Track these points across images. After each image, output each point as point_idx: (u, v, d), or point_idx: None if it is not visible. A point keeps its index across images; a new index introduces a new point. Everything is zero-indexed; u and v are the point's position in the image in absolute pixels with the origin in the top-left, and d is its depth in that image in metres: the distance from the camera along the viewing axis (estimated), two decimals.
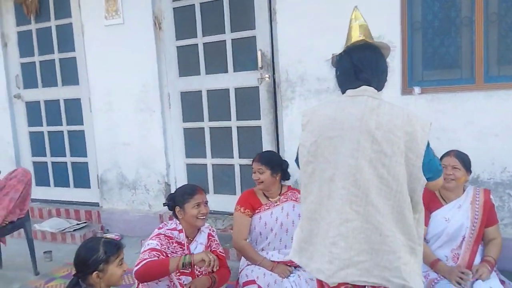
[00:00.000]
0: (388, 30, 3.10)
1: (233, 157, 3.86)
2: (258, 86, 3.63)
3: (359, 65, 1.65)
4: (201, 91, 3.90)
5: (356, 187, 1.56)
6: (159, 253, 2.22)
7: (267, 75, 3.56)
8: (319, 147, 1.64)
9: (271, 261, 2.71)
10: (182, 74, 3.99)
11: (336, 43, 3.37)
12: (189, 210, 2.35)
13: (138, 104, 4.10)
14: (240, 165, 3.85)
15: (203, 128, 3.96)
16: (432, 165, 1.60)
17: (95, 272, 1.82)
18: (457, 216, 2.63)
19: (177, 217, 2.45)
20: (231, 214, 3.43)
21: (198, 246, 2.44)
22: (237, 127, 3.80)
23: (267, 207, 2.81)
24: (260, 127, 3.69)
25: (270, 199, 2.83)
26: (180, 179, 4.14)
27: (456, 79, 3.14)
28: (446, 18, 3.14)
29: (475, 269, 2.42)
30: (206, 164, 4.01)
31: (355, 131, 1.57)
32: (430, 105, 3.10)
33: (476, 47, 3.01)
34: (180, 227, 2.39)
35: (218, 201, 3.84)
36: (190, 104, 4.02)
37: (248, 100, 3.75)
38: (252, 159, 2.83)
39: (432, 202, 2.70)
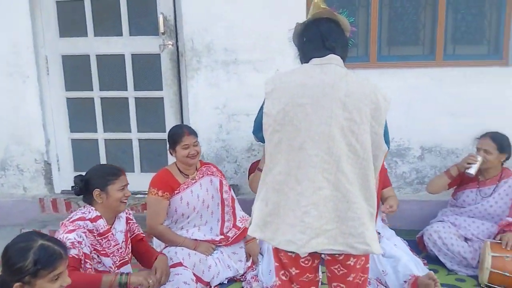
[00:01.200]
0: None
1: (130, 131, 3.52)
2: (160, 54, 3.33)
3: (326, 34, 1.63)
4: (89, 55, 3.40)
5: (329, 154, 1.54)
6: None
7: (170, 42, 3.28)
8: (287, 115, 1.57)
9: (193, 239, 2.61)
10: (64, 34, 3.42)
11: (246, 12, 3.32)
12: (114, 192, 2.10)
13: (7, 67, 3.39)
14: (139, 139, 3.54)
15: (93, 98, 3.49)
16: (387, 136, 1.68)
17: (17, 283, 1.44)
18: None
19: (89, 203, 2.14)
20: (133, 193, 3.18)
21: (117, 234, 2.18)
22: (135, 98, 3.45)
23: (186, 186, 2.66)
24: (162, 98, 3.42)
25: (188, 177, 2.69)
26: (63, 157, 3.62)
27: (353, 57, 3.38)
28: None
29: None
30: (97, 140, 3.57)
31: (327, 98, 1.54)
32: None
33: (371, 28, 3.26)
34: (95, 214, 2.10)
35: None
36: (75, 70, 3.48)
37: (148, 69, 3.42)
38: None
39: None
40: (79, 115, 3.57)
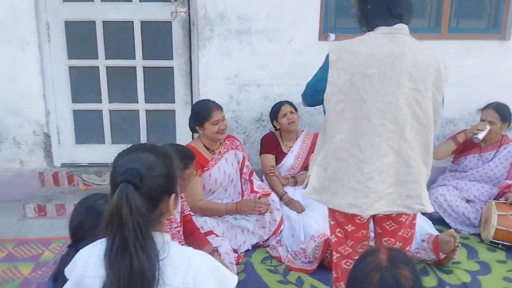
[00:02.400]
0: None
1: (137, 102, 3.42)
2: (171, 21, 3.25)
3: (393, 1, 1.63)
4: (94, 22, 3.26)
5: (394, 124, 1.60)
6: None
7: (182, 10, 3.21)
8: (354, 85, 1.61)
9: (234, 203, 2.62)
10: None
11: None
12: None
13: (5, 33, 3.18)
14: (146, 111, 3.44)
15: (97, 67, 3.36)
16: (443, 102, 1.76)
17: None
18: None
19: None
20: None
21: (176, 214, 2.08)
22: (143, 67, 3.35)
23: (214, 162, 2.68)
24: (172, 68, 3.35)
25: (214, 152, 2.68)
26: (64, 129, 3.46)
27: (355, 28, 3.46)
28: None
29: None
30: (101, 111, 3.44)
31: (396, 69, 1.58)
32: None
33: None
34: None
35: (117, 152, 3.38)
36: (79, 37, 3.33)
37: (158, 37, 3.33)
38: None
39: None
40: (82, 84, 3.42)
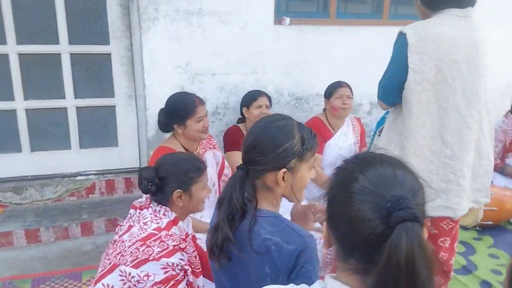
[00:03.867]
0: None
1: (64, 98, 2.76)
2: None
3: None
4: None
5: (479, 115, 1.50)
6: None
7: None
8: (441, 72, 1.44)
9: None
10: None
11: None
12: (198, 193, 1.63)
13: None
14: (77, 108, 2.80)
15: (7, 55, 2.59)
16: None
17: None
18: (346, 143, 2.94)
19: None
20: (66, 176, 2.57)
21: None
22: (71, 54, 2.70)
23: None
24: (109, 54, 2.76)
25: (189, 152, 2.28)
26: None
27: (313, 12, 3.33)
28: None
29: None
30: (14, 110, 2.69)
31: (479, 56, 1.47)
32: (298, 36, 3.17)
33: None
34: (173, 216, 1.57)
35: (42, 162, 2.71)
36: None
37: (88, 17, 2.70)
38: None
39: (323, 131, 2.90)
40: None
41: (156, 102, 2.85)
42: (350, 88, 2.89)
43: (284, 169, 1.14)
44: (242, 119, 2.93)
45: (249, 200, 1.18)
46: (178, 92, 2.35)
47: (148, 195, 1.65)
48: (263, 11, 3.02)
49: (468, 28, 1.50)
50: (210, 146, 2.41)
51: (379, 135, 1.73)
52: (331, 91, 2.88)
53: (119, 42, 2.75)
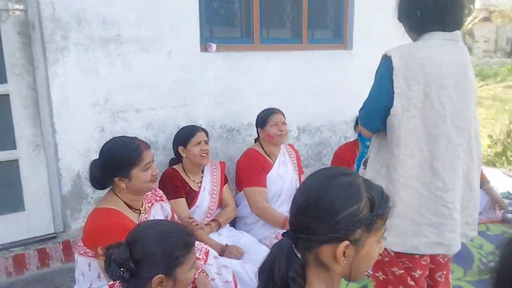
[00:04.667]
0: None
1: None
2: None
3: (448, 8, 1.42)
4: None
5: (468, 143, 1.42)
6: None
7: (17, 7, 2.08)
8: (428, 97, 1.34)
9: None
10: None
11: None
12: None
13: None
14: None
15: None
16: None
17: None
18: (286, 172, 2.78)
19: None
20: None
21: None
22: None
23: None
24: (7, 96, 2.15)
25: (140, 211, 1.85)
26: None
27: (237, 38, 3.14)
28: None
29: None
30: None
31: (468, 81, 1.40)
32: (226, 63, 2.94)
33: (254, 8, 3.10)
34: None
35: None
36: None
37: None
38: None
39: (263, 162, 2.71)
40: None
41: (71, 150, 2.35)
42: (283, 114, 2.77)
43: (347, 242, 0.87)
44: (176, 160, 2.56)
45: (293, 280, 0.90)
46: (115, 138, 1.91)
47: (117, 283, 1.24)
48: (188, 37, 2.72)
49: (456, 52, 1.46)
50: (157, 198, 2.01)
51: (364, 168, 1.58)
52: (265, 119, 2.72)
53: (20, 79, 2.17)
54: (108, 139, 1.84)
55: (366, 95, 1.52)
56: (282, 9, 3.34)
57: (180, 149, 2.48)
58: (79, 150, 2.38)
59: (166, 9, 2.59)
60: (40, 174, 2.26)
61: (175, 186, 2.41)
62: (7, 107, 2.16)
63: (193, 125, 2.61)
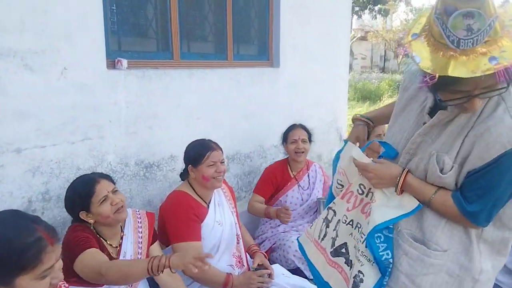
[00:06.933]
0: None
1: None
2: None
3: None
4: None
5: None
6: None
7: None
8: None
9: None
10: None
11: None
12: None
13: None
14: None
15: None
16: None
17: None
18: (224, 215, 2.27)
19: None
20: None
21: None
22: None
23: None
24: None
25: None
26: None
27: (153, 52, 2.54)
28: None
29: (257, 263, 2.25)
30: None
31: None
32: (141, 83, 2.33)
33: (172, 20, 2.53)
34: None
35: None
36: None
37: None
38: None
39: (197, 209, 2.14)
40: None
41: None
42: (221, 150, 2.22)
43: None
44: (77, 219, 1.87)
45: None
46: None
47: None
48: (90, 50, 2.06)
49: None
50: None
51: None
52: (200, 157, 2.13)
53: None
54: None
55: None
56: (203, 18, 2.83)
57: (82, 215, 1.79)
58: None
59: (59, 12, 1.90)
60: None
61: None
62: None
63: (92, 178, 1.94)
